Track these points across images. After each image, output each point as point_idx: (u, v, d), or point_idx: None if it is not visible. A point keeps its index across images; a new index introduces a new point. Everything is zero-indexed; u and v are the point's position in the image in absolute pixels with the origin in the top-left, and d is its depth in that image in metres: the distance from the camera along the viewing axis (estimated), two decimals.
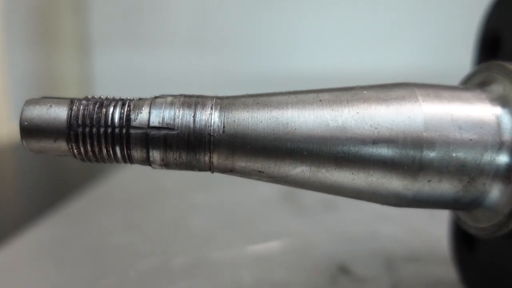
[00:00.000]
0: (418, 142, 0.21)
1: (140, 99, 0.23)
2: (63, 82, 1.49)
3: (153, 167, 0.22)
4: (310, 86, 0.24)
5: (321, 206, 0.51)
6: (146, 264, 0.37)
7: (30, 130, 0.21)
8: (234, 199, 0.55)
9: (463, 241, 0.31)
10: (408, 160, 0.21)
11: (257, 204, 0.53)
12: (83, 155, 0.22)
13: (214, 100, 0.22)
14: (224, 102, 0.22)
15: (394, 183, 0.22)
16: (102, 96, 0.23)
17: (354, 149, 0.21)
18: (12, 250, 0.40)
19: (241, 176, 0.23)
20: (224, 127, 0.21)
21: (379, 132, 0.21)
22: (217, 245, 0.41)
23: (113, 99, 0.23)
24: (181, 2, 1.48)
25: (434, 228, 0.43)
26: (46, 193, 0.66)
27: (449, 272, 0.33)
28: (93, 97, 0.23)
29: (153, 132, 0.21)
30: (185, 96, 0.22)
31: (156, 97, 0.22)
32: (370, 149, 0.21)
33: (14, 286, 0.35)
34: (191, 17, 1.47)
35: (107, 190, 0.61)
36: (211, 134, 0.21)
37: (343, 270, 0.35)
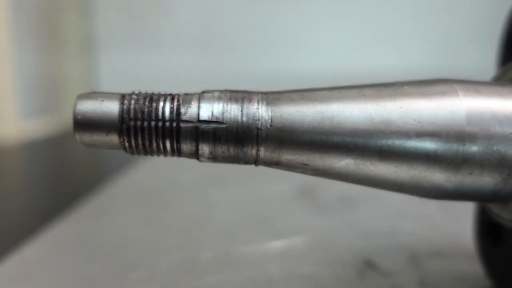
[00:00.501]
0: (460, 135, 0.22)
1: (186, 94, 0.23)
2: (69, 83, 1.50)
3: (201, 160, 0.23)
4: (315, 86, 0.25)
5: (339, 203, 0.51)
6: (174, 258, 0.37)
7: (84, 124, 0.22)
8: (252, 196, 0.56)
9: (489, 235, 0.32)
10: (451, 153, 0.22)
11: (275, 201, 0.54)
12: (134, 148, 0.22)
13: (259, 95, 0.23)
14: (269, 97, 0.23)
15: (436, 175, 0.22)
16: (147, 91, 0.24)
17: (398, 142, 0.22)
18: (39, 245, 0.41)
19: (285, 169, 0.24)
20: (271, 121, 0.22)
21: (422, 126, 0.22)
22: (242, 240, 0.41)
23: (161, 94, 0.23)
24: (186, 3, 1.48)
25: (454, 225, 0.44)
26: (60, 193, 0.66)
27: (474, 266, 0.34)
28: (140, 92, 0.23)
29: (203, 126, 0.22)
30: (231, 91, 0.23)
31: (203, 92, 0.23)
32: (414, 143, 0.22)
33: (44, 279, 0.35)
34: (196, 18, 1.48)
35: (126, 187, 0.62)
36: (259, 127, 0.22)
37: (369, 264, 0.36)
